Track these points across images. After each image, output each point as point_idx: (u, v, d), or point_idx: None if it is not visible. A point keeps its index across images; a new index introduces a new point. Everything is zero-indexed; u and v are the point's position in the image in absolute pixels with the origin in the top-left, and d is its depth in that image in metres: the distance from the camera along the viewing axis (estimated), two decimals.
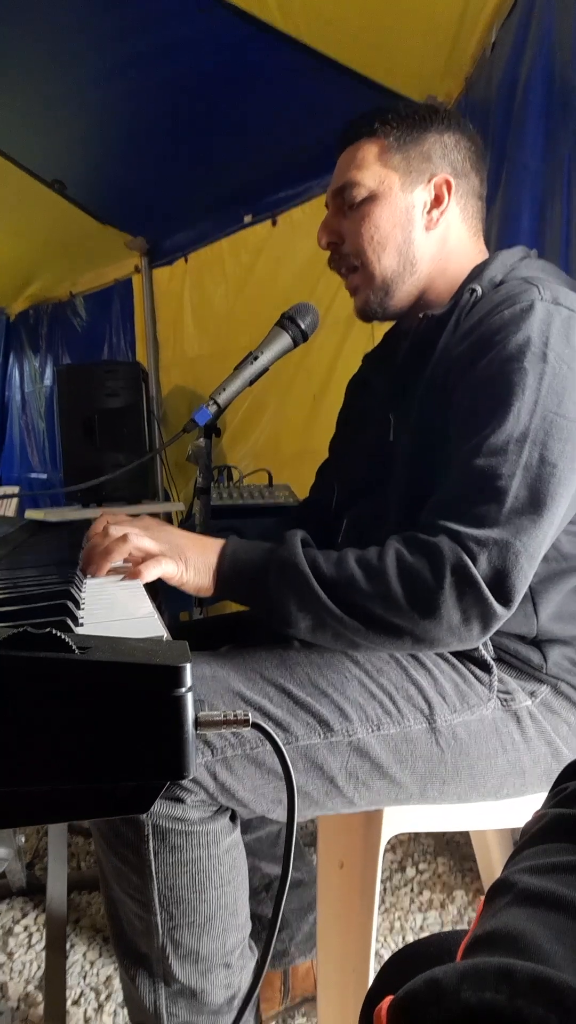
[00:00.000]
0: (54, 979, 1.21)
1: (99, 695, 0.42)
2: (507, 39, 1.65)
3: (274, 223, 2.79)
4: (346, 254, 1.06)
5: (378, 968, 0.48)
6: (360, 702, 0.87)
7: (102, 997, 1.28)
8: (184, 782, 0.80)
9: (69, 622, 0.59)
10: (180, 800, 0.81)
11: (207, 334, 3.20)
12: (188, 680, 0.43)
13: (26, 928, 1.47)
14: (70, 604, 0.64)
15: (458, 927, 1.45)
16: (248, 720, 0.49)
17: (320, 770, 0.85)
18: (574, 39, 1.39)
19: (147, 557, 0.87)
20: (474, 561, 0.78)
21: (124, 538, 0.87)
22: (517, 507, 0.80)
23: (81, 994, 1.29)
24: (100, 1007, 1.26)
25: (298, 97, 2.23)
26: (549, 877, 0.33)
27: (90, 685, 0.41)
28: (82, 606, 0.70)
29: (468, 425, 0.87)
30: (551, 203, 1.48)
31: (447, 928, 1.47)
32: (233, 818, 0.87)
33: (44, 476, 4.15)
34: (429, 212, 1.03)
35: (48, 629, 0.42)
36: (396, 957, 0.47)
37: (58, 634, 0.42)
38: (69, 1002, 1.26)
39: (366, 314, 1.08)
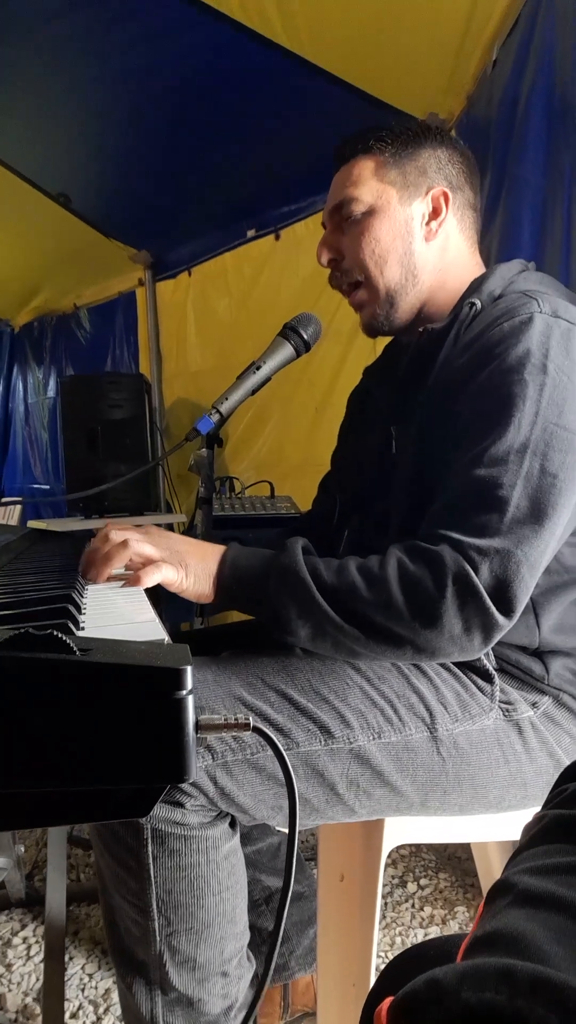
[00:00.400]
0: (52, 991, 1.20)
1: (99, 697, 0.42)
2: (508, 56, 1.67)
3: (277, 237, 2.82)
4: (347, 270, 1.06)
5: None
6: (361, 709, 0.87)
7: (100, 1010, 1.27)
8: (184, 786, 0.80)
9: (70, 625, 0.59)
10: (180, 804, 0.81)
11: (210, 347, 3.22)
12: (189, 683, 0.43)
13: (25, 940, 1.46)
14: (71, 608, 0.64)
15: None
16: (249, 724, 0.49)
17: (321, 777, 0.85)
18: (575, 57, 1.41)
19: (147, 563, 0.87)
20: (476, 570, 0.78)
21: (124, 544, 0.87)
22: (518, 517, 0.81)
23: (79, 1007, 1.28)
24: (98, 1020, 1.25)
25: (302, 113, 2.26)
26: (549, 878, 0.33)
27: (91, 687, 0.41)
28: (83, 611, 0.70)
29: (468, 436, 0.87)
30: (552, 218, 1.49)
31: None
32: (233, 825, 0.87)
33: (47, 487, 4.16)
34: (428, 223, 1.04)
35: (49, 631, 0.42)
36: (397, 960, 0.47)
37: (59, 635, 0.42)
38: (67, 1015, 1.25)
39: (373, 328, 1.09)
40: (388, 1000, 0.30)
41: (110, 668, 0.42)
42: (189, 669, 0.43)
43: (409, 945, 1.42)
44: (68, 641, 0.42)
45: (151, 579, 0.85)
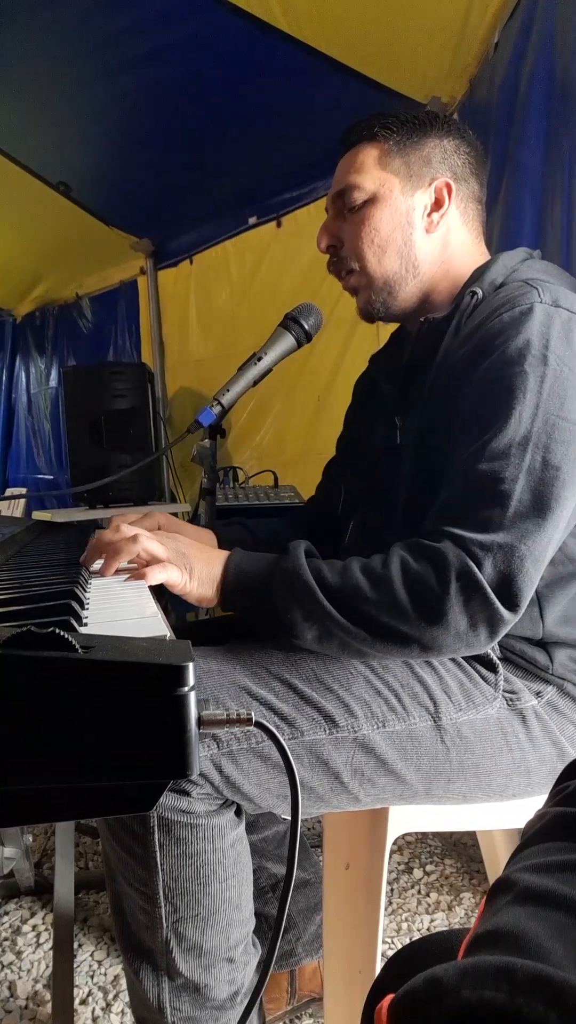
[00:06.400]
0: (62, 978, 1.21)
1: (102, 694, 0.42)
2: (509, 40, 1.65)
3: (279, 224, 2.80)
4: (344, 257, 1.06)
5: None
6: (366, 699, 0.87)
7: (110, 996, 1.28)
8: None
9: (73, 622, 0.59)
10: (186, 793, 0.81)
11: (212, 336, 3.21)
12: (191, 679, 0.43)
13: (34, 927, 1.48)
14: (74, 604, 0.64)
15: None
16: (251, 719, 0.50)
17: (325, 766, 0.86)
18: (575, 41, 1.39)
19: (154, 561, 0.87)
20: (479, 566, 0.78)
21: (134, 539, 0.88)
22: (521, 511, 0.80)
23: (89, 993, 1.30)
24: (108, 1006, 1.26)
25: (303, 98, 2.24)
26: (550, 876, 0.33)
27: (93, 684, 0.42)
28: (86, 606, 0.70)
29: (470, 430, 0.87)
30: (552, 203, 1.48)
31: None
32: (239, 813, 0.87)
33: (51, 477, 4.17)
34: (429, 215, 1.03)
35: (52, 628, 0.42)
36: (398, 955, 0.47)
37: (61, 633, 0.42)
38: (77, 1001, 1.27)
39: (368, 314, 1.08)
40: (389, 997, 0.30)
41: (112, 665, 0.42)
42: (191, 666, 0.43)
43: (415, 931, 1.44)
44: (70, 639, 0.42)
45: (155, 577, 0.85)
